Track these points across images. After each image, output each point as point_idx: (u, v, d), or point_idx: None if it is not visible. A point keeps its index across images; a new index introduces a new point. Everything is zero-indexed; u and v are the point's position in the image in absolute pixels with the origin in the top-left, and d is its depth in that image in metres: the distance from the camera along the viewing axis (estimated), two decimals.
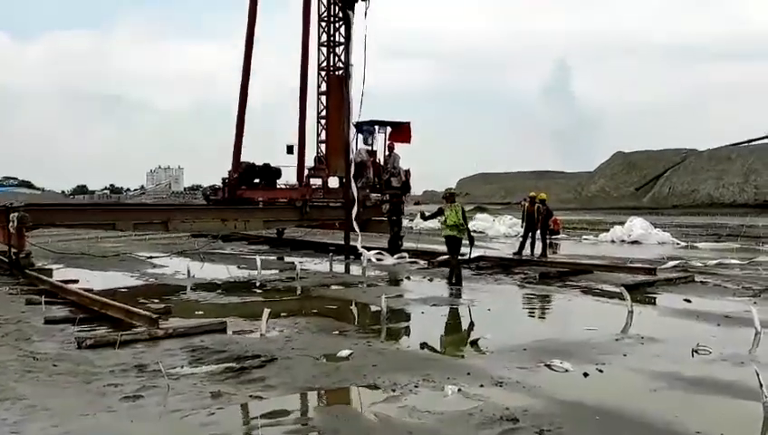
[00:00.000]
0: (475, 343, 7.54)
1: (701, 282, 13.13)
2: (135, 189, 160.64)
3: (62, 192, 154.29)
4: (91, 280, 13.24)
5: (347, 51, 18.56)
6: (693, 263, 16.39)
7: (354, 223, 17.55)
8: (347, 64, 18.50)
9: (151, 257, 17.66)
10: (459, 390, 5.67)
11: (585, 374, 6.32)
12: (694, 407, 5.56)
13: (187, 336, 7.69)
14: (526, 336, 7.88)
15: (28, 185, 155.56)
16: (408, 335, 8.65)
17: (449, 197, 14.89)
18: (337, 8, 19.65)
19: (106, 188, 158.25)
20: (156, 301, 10.63)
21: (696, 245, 24.11)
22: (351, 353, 6.91)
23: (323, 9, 19.96)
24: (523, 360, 6.80)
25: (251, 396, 5.54)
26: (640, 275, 13.39)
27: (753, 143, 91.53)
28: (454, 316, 9.63)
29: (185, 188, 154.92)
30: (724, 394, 5.82)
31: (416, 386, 5.84)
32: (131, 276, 14.00)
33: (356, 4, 18.62)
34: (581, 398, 5.59)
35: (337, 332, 8.25)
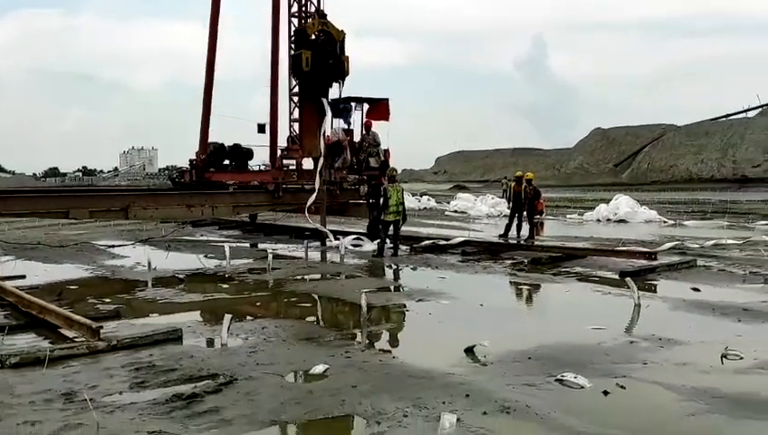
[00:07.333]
0: (471, 351, 6.45)
1: (704, 266, 12.25)
2: (108, 171, 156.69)
3: (33, 175, 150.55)
4: (41, 275, 12.04)
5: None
6: (688, 244, 15.56)
7: (306, 212, 16.49)
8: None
9: (112, 247, 16.36)
10: (458, 420, 4.60)
11: (605, 393, 5.31)
12: None
13: (133, 348, 6.56)
14: (528, 340, 6.85)
15: None
16: (393, 342, 7.55)
17: (392, 177, 14.47)
18: None
19: (78, 171, 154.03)
20: (107, 300, 9.47)
21: (683, 223, 23.49)
22: (327, 369, 5.83)
23: None
24: (530, 373, 5.78)
25: None
26: (639, 260, 12.48)
27: (731, 118, 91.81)
28: (444, 314, 8.51)
29: (159, 169, 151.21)
30: None
31: (405, 416, 4.78)
32: (86, 270, 12.74)
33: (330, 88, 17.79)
34: (606, 430, 4.59)
35: (310, 338, 7.15)
